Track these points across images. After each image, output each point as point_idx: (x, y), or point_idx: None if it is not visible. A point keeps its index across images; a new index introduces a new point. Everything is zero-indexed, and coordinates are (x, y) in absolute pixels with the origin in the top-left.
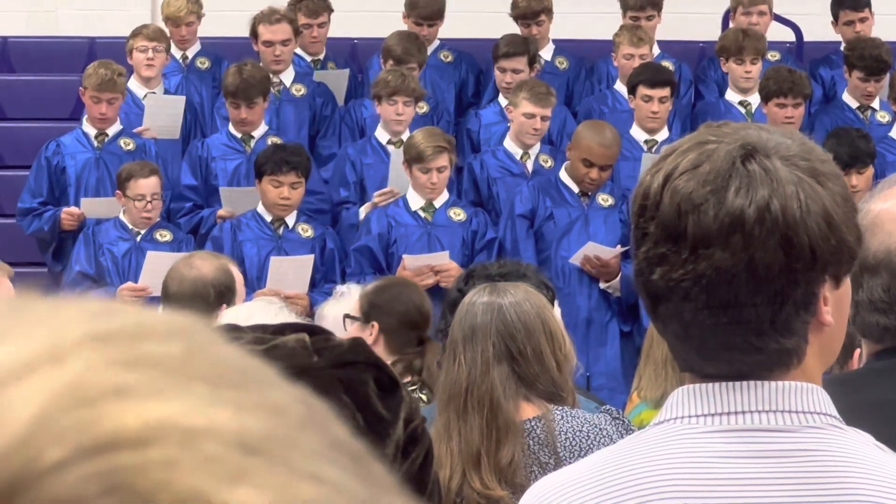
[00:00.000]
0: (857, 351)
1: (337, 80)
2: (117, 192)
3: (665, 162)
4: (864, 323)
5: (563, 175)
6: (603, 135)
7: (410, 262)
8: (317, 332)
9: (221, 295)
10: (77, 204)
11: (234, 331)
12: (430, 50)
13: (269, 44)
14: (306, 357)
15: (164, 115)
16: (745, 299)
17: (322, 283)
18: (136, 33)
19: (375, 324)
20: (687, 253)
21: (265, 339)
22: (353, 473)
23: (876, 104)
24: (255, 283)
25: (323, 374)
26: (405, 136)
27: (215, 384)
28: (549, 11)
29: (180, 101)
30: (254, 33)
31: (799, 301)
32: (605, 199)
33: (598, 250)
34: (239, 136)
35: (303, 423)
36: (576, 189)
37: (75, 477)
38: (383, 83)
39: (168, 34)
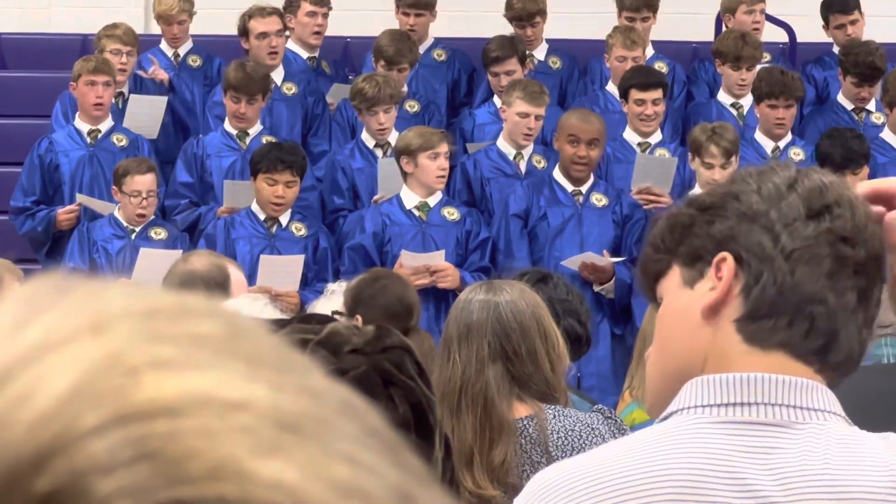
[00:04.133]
0: None
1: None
2: (113, 187)
3: (809, 174)
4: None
5: (557, 174)
6: (583, 112)
7: (407, 260)
8: (335, 320)
9: (210, 292)
10: (73, 201)
11: (277, 323)
12: (423, 48)
13: (264, 35)
14: (359, 343)
15: (144, 114)
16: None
17: (314, 282)
18: (108, 34)
19: (359, 317)
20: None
21: (311, 329)
22: (388, 461)
23: (871, 106)
24: (248, 281)
25: (374, 357)
26: (392, 138)
27: (254, 363)
28: (543, 13)
29: (161, 101)
30: (244, 30)
31: None
32: (598, 199)
33: (595, 259)
34: (235, 132)
35: (340, 408)
36: (570, 188)
37: (110, 442)
38: (360, 96)
39: (136, 36)
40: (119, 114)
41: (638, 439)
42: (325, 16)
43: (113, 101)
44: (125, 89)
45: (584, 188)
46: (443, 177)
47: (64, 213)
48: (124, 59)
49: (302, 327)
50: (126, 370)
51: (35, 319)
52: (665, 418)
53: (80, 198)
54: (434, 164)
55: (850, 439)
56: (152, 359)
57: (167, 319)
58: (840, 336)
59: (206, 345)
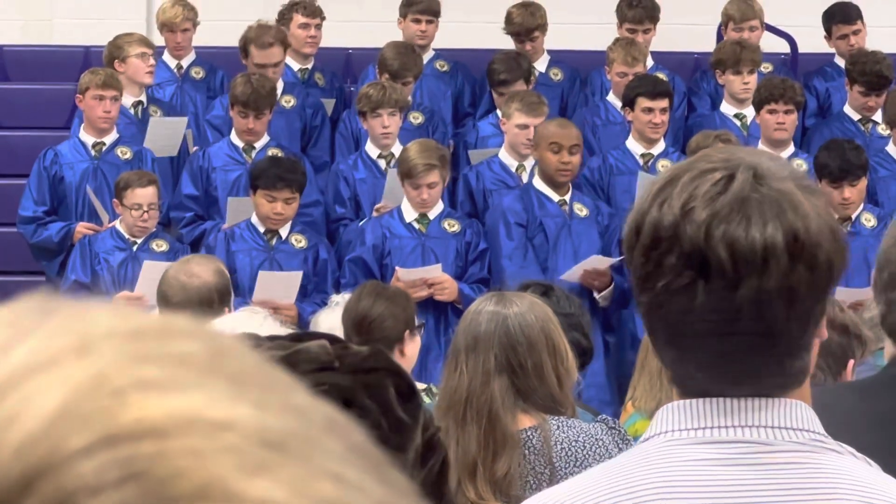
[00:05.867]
0: (851, 362)
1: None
2: (114, 200)
3: (672, 191)
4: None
5: (539, 183)
6: (560, 120)
7: (404, 275)
8: (335, 340)
9: (223, 298)
10: (78, 214)
11: (253, 339)
12: (425, 59)
13: (261, 66)
14: (329, 361)
15: (164, 135)
16: (781, 325)
17: (314, 294)
18: (128, 41)
19: None
20: (722, 283)
21: (287, 346)
22: (372, 477)
23: (878, 117)
24: (248, 293)
25: (346, 379)
26: (395, 149)
27: (238, 382)
28: (543, 27)
29: (182, 122)
30: (244, 51)
31: (817, 317)
32: (580, 209)
33: (595, 263)
34: (241, 146)
35: (324, 426)
36: (556, 197)
37: (97, 464)
38: (366, 98)
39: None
40: (137, 126)
41: (618, 461)
42: (319, 27)
43: (132, 112)
44: (142, 96)
45: (566, 197)
46: (423, 205)
47: (86, 228)
48: (152, 62)
49: (281, 343)
50: (112, 391)
51: (20, 341)
52: (644, 441)
53: (91, 192)
54: (415, 193)
55: (831, 458)
56: (137, 380)
57: (151, 340)
58: (742, 362)
59: (191, 365)
